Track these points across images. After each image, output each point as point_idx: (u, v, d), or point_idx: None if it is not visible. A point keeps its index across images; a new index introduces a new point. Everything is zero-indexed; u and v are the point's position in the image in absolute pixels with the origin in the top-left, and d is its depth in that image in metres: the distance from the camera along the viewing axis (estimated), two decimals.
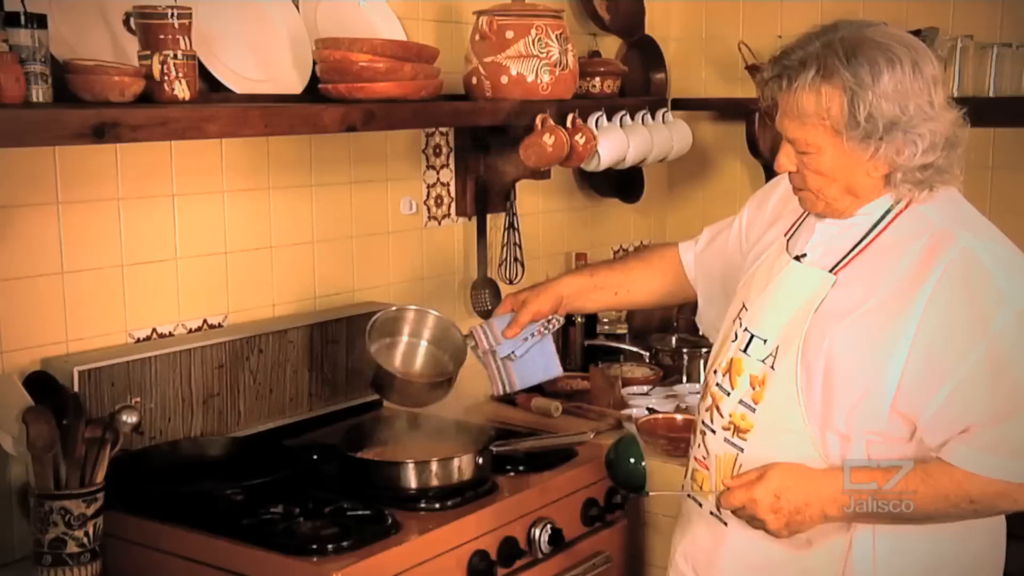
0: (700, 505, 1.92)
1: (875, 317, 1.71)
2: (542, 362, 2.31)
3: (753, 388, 1.82)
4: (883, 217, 1.76)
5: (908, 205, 1.76)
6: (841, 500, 1.72)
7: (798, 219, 1.90)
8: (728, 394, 1.86)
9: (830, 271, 1.78)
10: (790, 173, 1.81)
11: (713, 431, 1.88)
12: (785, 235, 1.91)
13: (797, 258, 1.84)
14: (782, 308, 1.82)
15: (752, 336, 1.85)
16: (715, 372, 1.92)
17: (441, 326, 2.37)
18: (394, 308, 2.38)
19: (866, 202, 1.77)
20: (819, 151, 1.72)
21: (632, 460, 1.86)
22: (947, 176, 1.74)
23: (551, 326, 2.29)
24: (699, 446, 1.93)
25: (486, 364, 2.30)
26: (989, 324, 1.65)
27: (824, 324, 1.75)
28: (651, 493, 1.95)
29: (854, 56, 1.66)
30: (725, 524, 1.86)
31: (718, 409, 1.88)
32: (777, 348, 1.80)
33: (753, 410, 1.82)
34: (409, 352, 2.37)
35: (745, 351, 1.85)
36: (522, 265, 3.00)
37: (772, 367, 1.80)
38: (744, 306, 1.91)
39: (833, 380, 1.74)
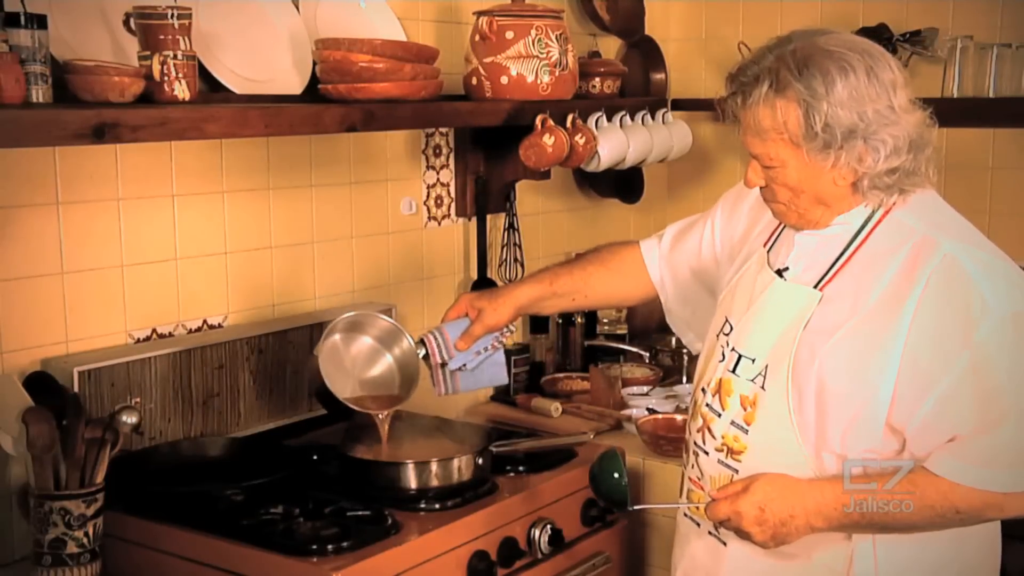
0: (698, 525, 1.90)
1: (863, 333, 1.70)
2: (490, 372, 2.24)
3: (744, 409, 1.81)
4: (863, 227, 1.75)
5: (887, 213, 1.74)
6: (826, 511, 1.71)
7: (776, 229, 1.89)
8: (719, 415, 1.84)
9: (815, 286, 1.77)
10: (760, 188, 1.80)
11: (706, 452, 1.86)
12: (765, 246, 1.90)
13: (780, 272, 1.82)
14: (769, 327, 1.80)
15: (740, 356, 1.83)
16: (703, 391, 1.90)
17: (407, 351, 2.25)
18: (364, 313, 2.29)
19: (839, 211, 1.75)
20: (783, 164, 1.71)
21: (615, 475, 1.84)
22: (917, 179, 1.72)
23: (504, 339, 2.23)
24: (692, 466, 1.91)
25: (433, 371, 2.22)
26: (972, 333, 1.63)
27: (813, 343, 1.74)
28: (633, 508, 1.94)
29: (806, 67, 1.65)
30: (724, 544, 1.85)
31: (710, 430, 1.86)
32: (767, 367, 1.78)
33: (746, 431, 1.80)
34: (369, 356, 2.28)
35: (734, 371, 1.83)
36: (522, 265, 3.00)
37: (763, 387, 1.78)
38: (728, 322, 1.89)
39: (826, 401, 1.72)
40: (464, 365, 2.20)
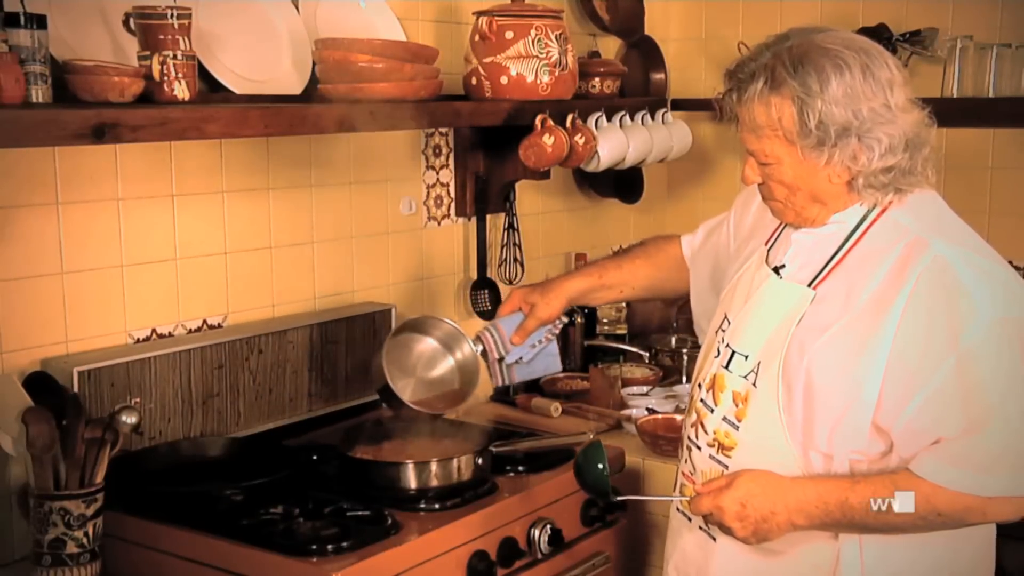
0: (689, 520, 1.91)
1: (852, 332, 1.70)
2: (544, 362, 2.33)
3: (736, 405, 1.81)
4: (858, 226, 1.75)
5: (883, 212, 1.74)
6: (808, 509, 1.71)
7: (777, 228, 1.89)
8: (712, 411, 1.85)
9: (809, 284, 1.77)
10: (758, 185, 1.80)
11: (699, 447, 1.87)
12: (766, 244, 1.90)
13: (776, 270, 1.82)
14: (762, 324, 1.80)
15: (733, 352, 1.84)
16: (699, 386, 1.91)
17: (467, 352, 2.32)
18: (425, 317, 2.39)
19: (835, 210, 1.75)
20: (779, 162, 1.72)
21: (600, 466, 1.86)
22: (913, 178, 1.72)
23: (557, 329, 2.31)
24: (686, 461, 1.92)
25: (490, 365, 2.31)
26: (960, 336, 1.63)
27: (803, 340, 1.74)
28: (618, 499, 1.95)
29: (801, 65, 1.65)
30: (714, 539, 1.85)
31: (702, 425, 1.87)
32: (759, 365, 1.79)
33: (736, 427, 1.81)
34: (431, 357, 2.34)
35: (727, 367, 1.84)
36: (522, 265, 3.00)
37: (754, 384, 1.79)
38: (726, 318, 1.90)
39: (813, 399, 1.72)
40: (520, 358, 2.30)
